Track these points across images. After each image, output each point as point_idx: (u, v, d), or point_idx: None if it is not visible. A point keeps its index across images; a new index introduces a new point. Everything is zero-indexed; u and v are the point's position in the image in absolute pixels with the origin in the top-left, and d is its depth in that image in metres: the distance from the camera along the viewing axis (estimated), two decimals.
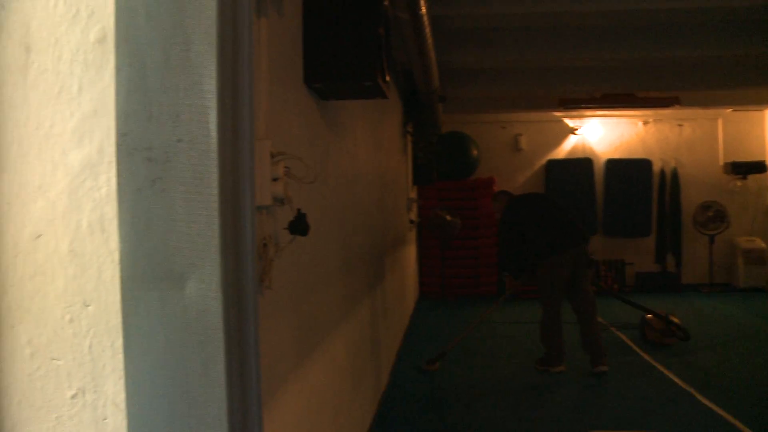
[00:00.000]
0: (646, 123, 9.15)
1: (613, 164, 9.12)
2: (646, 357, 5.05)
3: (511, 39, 5.51)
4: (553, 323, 4.57)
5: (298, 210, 1.54)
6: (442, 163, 7.81)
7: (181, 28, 0.96)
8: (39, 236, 1.02)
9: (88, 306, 1.02)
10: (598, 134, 9.23)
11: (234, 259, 0.97)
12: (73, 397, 1.04)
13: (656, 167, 9.08)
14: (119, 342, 1.02)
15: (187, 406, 0.97)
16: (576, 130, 9.19)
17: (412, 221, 7.05)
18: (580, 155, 9.18)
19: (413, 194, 7.50)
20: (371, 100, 2.44)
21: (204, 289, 0.93)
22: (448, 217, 7.70)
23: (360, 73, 1.97)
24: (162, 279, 0.94)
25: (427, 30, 3.79)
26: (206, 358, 0.95)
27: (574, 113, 8.81)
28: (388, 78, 2.14)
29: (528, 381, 4.53)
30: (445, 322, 6.89)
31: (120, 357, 1.02)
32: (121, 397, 1.03)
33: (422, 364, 4.77)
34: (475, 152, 8.65)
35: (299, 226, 1.53)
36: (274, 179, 1.39)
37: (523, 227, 4.59)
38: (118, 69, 0.96)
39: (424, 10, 3.49)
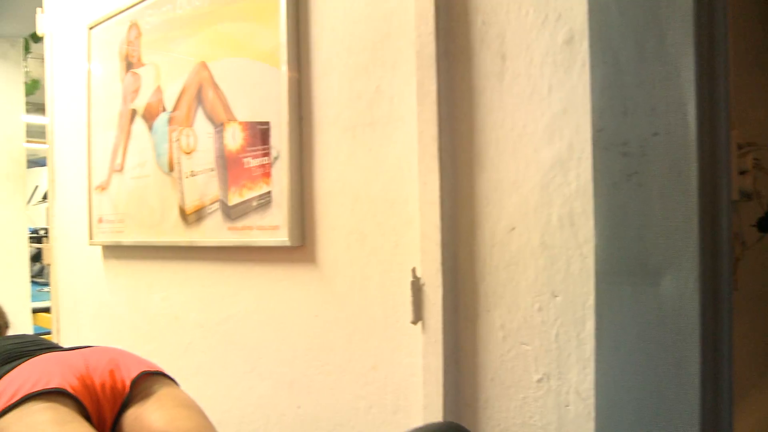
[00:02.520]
0: None
1: None
2: None
3: None
4: None
5: None
6: None
7: (654, 20, 1.10)
8: (513, 229, 1.29)
9: (556, 296, 1.24)
10: None
11: (711, 257, 1.06)
12: (539, 381, 1.27)
13: None
14: (584, 333, 1.22)
15: (656, 403, 1.10)
16: None
17: None
18: None
19: None
20: None
21: (680, 286, 1.05)
22: None
23: None
24: (636, 274, 1.09)
25: None
26: (679, 358, 1.07)
27: None
28: None
29: None
30: None
31: (584, 347, 1.21)
32: (583, 386, 1.22)
33: None
34: None
35: None
36: (741, 172, 1.43)
37: None
38: (593, 66, 1.15)
39: None
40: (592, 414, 1.20)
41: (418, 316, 1.39)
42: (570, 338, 1.23)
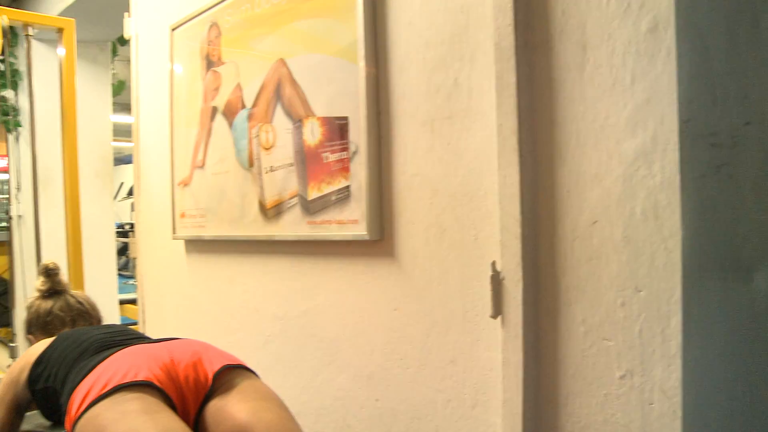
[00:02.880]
0: None
1: None
2: None
3: None
4: None
5: None
6: None
7: (747, 4, 1.06)
8: (595, 222, 1.27)
9: (640, 291, 1.22)
10: None
11: None
12: (622, 377, 1.25)
13: None
14: (669, 329, 1.19)
15: (749, 406, 1.07)
16: None
17: None
18: None
19: None
20: None
21: None
22: None
23: None
24: (726, 269, 1.06)
25: None
26: None
27: None
28: None
29: None
30: None
31: (670, 344, 1.19)
32: (668, 384, 1.20)
33: None
34: None
35: None
36: None
37: None
38: (680, 55, 1.12)
39: None
40: (679, 413, 1.17)
41: (497, 310, 1.39)
42: (654, 334, 1.21)
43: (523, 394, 1.36)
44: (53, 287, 1.92)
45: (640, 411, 1.24)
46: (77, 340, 1.53)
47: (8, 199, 4.40)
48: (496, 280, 1.39)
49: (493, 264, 1.40)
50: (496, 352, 1.43)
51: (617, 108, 1.24)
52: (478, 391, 1.49)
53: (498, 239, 1.39)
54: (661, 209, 1.19)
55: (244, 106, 2.15)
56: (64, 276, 1.97)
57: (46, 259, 1.98)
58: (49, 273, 1.93)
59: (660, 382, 1.21)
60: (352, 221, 1.73)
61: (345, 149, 1.74)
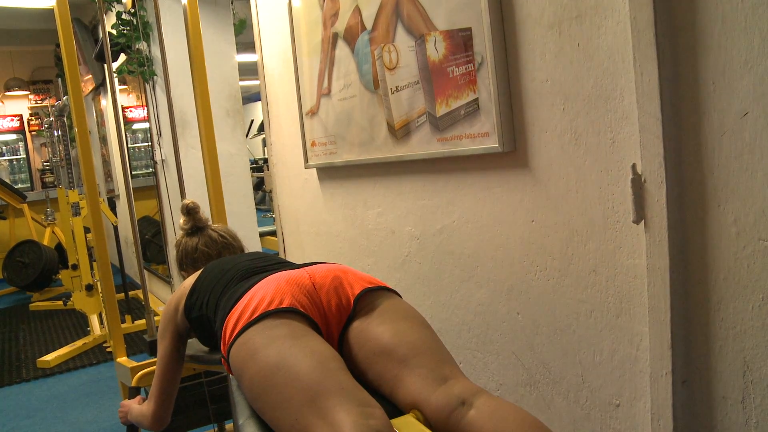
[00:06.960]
0: None
1: None
2: None
3: None
4: None
5: None
6: None
7: None
8: (746, 114, 1.20)
9: None
10: None
11: None
12: None
13: None
14: None
15: None
16: None
17: None
18: None
19: None
20: None
21: None
22: None
23: None
24: None
25: None
26: None
27: None
28: None
29: None
30: None
31: None
32: None
33: None
34: None
35: None
36: None
37: None
38: None
39: None
40: None
41: (640, 215, 1.36)
42: None
43: (670, 300, 1.33)
44: (195, 224, 2.06)
45: None
46: (223, 270, 1.65)
47: (151, 145, 4.72)
48: (637, 184, 1.35)
49: (634, 167, 1.36)
50: (640, 259, 1.41)
51: None
52: (623, 299, 1.47)
53: (637, 141, 1.35)
54: None
55: (364, 29, 2.17)
56: (204, 213, 2.10)
57: (186, 199, 2.11)
58: (190, 211, 2.06)
59: None
60: (482, 134, 1.72)
61: (470, 61, 1.72)
